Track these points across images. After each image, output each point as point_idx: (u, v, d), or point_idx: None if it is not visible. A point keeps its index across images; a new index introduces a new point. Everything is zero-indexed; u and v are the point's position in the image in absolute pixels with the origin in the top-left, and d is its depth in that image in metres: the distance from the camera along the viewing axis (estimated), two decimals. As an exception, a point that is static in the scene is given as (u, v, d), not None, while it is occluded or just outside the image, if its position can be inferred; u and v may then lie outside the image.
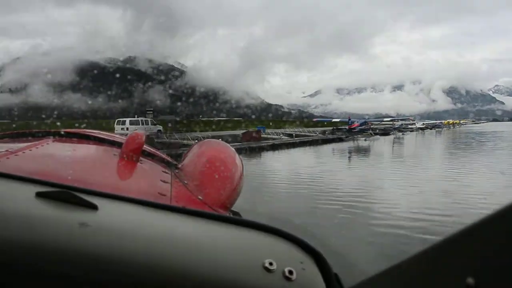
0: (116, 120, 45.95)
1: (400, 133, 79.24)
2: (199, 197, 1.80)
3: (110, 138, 2.34)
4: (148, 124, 45.55)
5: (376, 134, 66.60)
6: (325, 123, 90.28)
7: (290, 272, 0.77)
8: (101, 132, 2.68)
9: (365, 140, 59.82)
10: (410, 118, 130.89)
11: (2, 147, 1.66)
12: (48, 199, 0.84)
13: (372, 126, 69.06)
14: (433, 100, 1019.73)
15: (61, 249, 0.70)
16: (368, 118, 77.26)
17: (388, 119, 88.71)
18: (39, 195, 0.85)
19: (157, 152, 2.50)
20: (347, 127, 64.27)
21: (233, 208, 2.04)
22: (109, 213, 0.88)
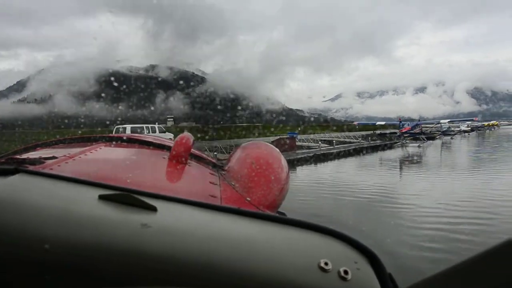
0: (115, 128, 37.61)
1: (449, 137, 71.68)
2: (247, 198, 1.88)
3: (158, 142, 2.43)
4: (155, 132, 38.21)
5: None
6: (357, 126, 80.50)
7: (345, 272, 0.77)
8: (148, 136, 2.81)
9: (419, 146, 51.86)
10: (475, 118, 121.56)
11: (60, 152, 1.76)
12: (110, 202, 0.88)
13: (423, 130, 60.09)
14: (457, 102, 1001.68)
15: (124, 249, 0.74)
16: (419, 121, 66.49)
17: (446, 121, 79.21)
18: (101, 197, 0.89)
19: (202, 154, 2.56)
20: (398, 132, 57.03)
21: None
22: (168, 215, 0.91)
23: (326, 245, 0.87)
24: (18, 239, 0.73)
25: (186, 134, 2.11)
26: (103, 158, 1.92)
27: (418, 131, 57.73)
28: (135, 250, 0.74)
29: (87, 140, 2.37)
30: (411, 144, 54.36)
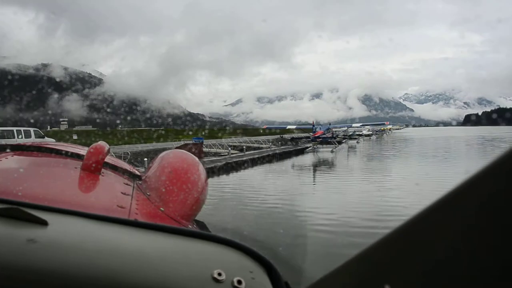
0: None
1: (354, 141, 72.50)
2: (161, 208, 1.84)
3: (73, 151, 2.33)
4: (30, 137, 30.74)
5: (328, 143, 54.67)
6: (265, 131, 78.44)
7: (239, 282, 0.77)
8: (65, 144, 2.72)
9: (332, 151, 49.54)
10: (386, 123, 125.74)
11: None
12: None
13: (334, 134, 58.08)
14: (350, 108, 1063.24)
15: (9, 265, 0.71)
16: (330, 125, 64.69)
17: (358, 124, 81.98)
18: None
19: (121, 163, 2.48)
20: (311, 135, 54.75)
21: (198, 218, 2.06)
22: (59, 228, 0.88)
23: (221, 255, 0.87)
24: None
25: (101, 143, 2.02)
26: (6, 168, 1.80)
27: (330, 135, 55.68)
28: (20, 266, 0.71)
29: None
30: (322, 149, 51.97)
